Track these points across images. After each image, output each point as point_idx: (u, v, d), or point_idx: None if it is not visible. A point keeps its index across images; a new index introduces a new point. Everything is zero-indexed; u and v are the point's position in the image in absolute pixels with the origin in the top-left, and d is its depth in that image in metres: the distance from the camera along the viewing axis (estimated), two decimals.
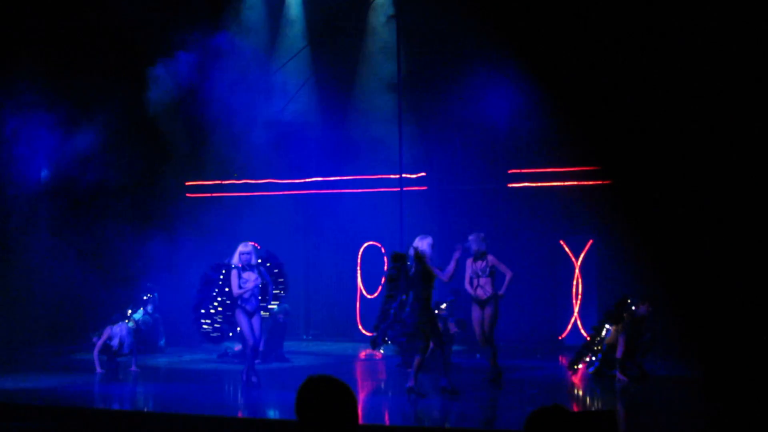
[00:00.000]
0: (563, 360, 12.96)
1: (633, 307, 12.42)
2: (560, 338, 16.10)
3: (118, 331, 13.30)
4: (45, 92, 15.19)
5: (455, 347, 13.93)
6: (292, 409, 3.67)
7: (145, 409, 10.81)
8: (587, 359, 12.43)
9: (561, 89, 14.33)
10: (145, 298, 14.94)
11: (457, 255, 10.80)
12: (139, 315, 13.82)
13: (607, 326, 12.37)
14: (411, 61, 16.58)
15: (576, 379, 12.34)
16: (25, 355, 14.83)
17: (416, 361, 10.48)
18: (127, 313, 13.67)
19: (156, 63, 15.94)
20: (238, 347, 14.40)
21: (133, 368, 13.29)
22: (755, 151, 12.73)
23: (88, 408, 10.42)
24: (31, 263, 15.78)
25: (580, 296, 16.04)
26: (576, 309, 15.98)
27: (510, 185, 16.67)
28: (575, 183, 16.10)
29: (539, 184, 16.43)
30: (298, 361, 14.59)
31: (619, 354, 12.15)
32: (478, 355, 14.95)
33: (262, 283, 11.72)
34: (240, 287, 11.56)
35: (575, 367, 12.38)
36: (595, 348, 12.37)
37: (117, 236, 15.68)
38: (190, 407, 10.40)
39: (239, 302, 11.60)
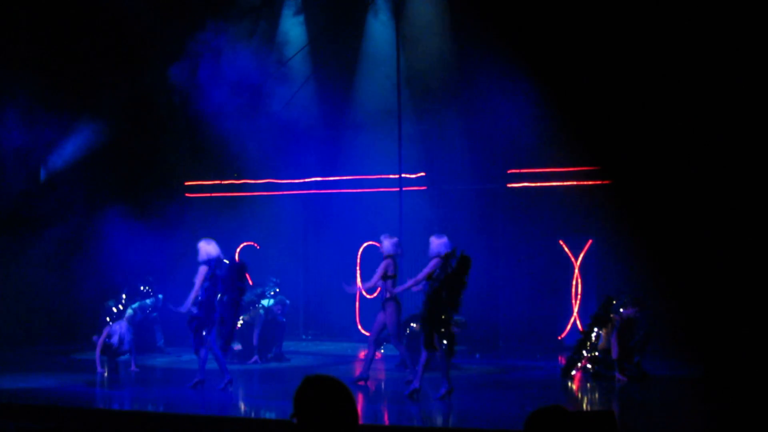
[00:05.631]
0: (562, 360, 12.95)
1: (621, 309, 12.40)
2: (560, 338, 16.10)
3: (118, 328, 13.39)
4: (41, 89, 15.18)
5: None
6: (291, 410, 3.67)
7: (145, 409, 10.80)
8: (580, 365, 12.39)
9: (561, 89, 14.33)
10: (142, 288, 14.98)
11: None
12: (135, 305, 13.99)
13: (596, 329, 12.33)
14: (410, 60, 16.57)
15: (575, 380, 12.33)
16: (25, 355, 14.84)
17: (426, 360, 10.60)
18: (121, 298, 13.77)
19: (156, 61, 15.94)
20: (237, 347, 14.43)
21: (133, 368, 13.30)
22: (755, 150, 12.74)
23: (88, 408, 10.43)
24: (28, 262, 15.78)
25: (579, 296, 16.04)
26: (575, 309, 15.98)
27: (510, 185, 16.66)
28: (575, 183, 16.09)
29: (539, 184, 16.42)
30: (298, 361, 14.60)
31: (614, 354, 12.14)
32: (477, 355, 14.96)
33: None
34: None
35: (570, 374, 12.35)
36: (590, 355, 12.32)
37: (115, 236, 15.66)
38: (190, 407, 10.40)
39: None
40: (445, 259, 10.55)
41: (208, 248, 11.39)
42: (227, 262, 11.43)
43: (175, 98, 16.52)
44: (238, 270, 11.43)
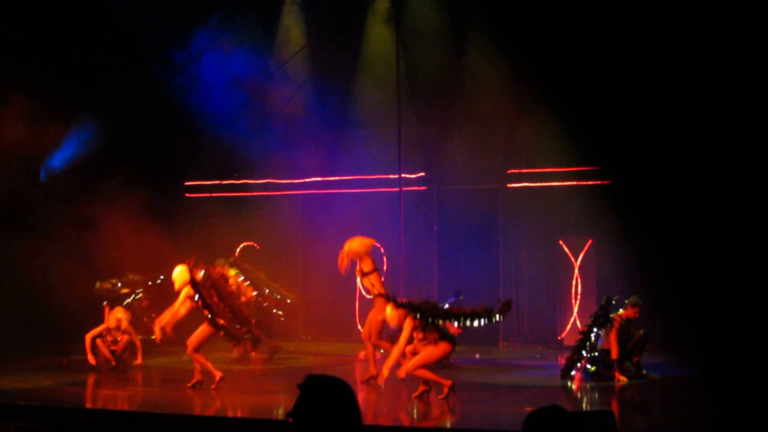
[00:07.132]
0: (562, 360, 12.96)
1: (621, 309, 12.40)
2: (560, 338, 16.11)
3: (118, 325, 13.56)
4: (41, 89, 15.17)
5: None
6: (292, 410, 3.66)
7: (145, 410, 10.81)
8: (580, 365, 12.38)
9: (560, 89, 14.33)
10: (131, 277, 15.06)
11: None
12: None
13: (595, 329, 12.32)
14: (410, 60, 16.57)
15: (575, 380, 12.33)
16: (25, 355, 14.82)
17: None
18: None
19: (155, 61, 15.94)
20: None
21: (133, 367, 13.34)
22: (754, 150, 12.74)
23: (87, 408, 10.43)
24: (27, 262, 15.77)
25: (579, 296, 16.04)
26: (575, 309, 15.98)
27: (509, 185, 16.66)
28: (575, 183, 16.09)
29: (538, 184, 16.42)
30: (298, 362, 14.59)
31: (614, 354, 12.13)
32: (477, 355, 14.96)
33: None
34: None
35: (570, 374, 12.34)
36: (590, 355, 12.31)
37: (115, 236, 15.66)
38: (189, 407, 10.40)
39: None
40: None
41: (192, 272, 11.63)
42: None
43: (175, 98, 16.52)
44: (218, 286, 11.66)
